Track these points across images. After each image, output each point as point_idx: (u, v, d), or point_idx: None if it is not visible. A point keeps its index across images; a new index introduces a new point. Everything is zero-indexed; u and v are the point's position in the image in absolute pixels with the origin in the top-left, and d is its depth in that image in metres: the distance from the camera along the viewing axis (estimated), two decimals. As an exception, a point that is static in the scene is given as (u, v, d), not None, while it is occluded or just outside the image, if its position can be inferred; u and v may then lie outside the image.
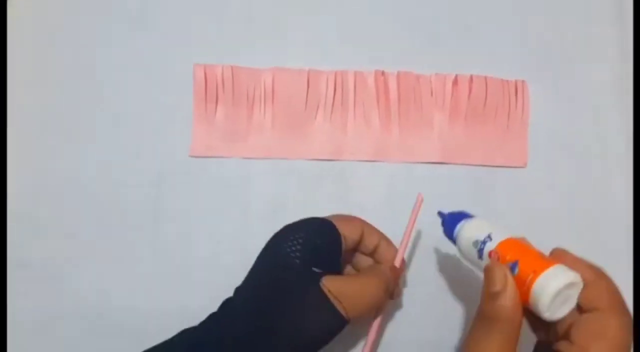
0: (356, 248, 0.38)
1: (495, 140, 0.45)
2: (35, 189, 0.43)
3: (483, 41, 0.47)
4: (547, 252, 0.31)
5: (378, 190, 0.44)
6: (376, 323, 0.37)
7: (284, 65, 0.45)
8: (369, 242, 0.37)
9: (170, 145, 0.44)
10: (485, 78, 0.45)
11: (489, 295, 0.28)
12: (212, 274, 0.42)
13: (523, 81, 0.46)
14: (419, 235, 0.43)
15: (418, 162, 0.45)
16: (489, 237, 0.31)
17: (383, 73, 0.45)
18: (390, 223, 0.38)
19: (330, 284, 0.32)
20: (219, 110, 0.44)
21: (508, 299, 0.28)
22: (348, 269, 0.40)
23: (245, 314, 0.33)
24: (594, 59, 0.47)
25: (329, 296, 0.32)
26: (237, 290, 0.35)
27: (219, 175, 0.44)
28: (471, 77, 0.45)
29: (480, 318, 0.29)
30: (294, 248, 0.34)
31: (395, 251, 0.37)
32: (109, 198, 0.43)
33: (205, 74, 0.44)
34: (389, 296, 0.36)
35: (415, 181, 0.44)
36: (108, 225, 0.43)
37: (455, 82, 0.45)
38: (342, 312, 0.32)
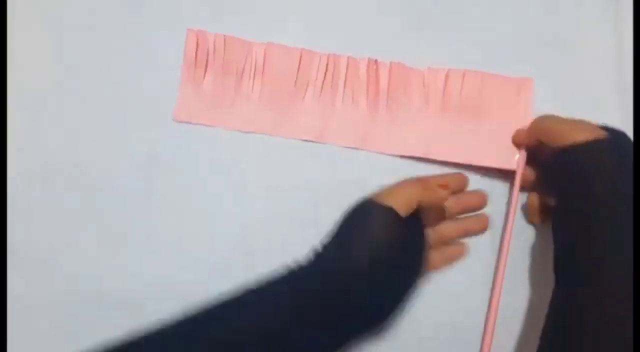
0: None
1: (487, 140, 0.44)
2: (27, 170, 0.42)
3: (479, 30, 0.47)
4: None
5: (356, 177, 0.43)
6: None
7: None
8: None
9: (163, 123, 0.43)
10: (482, 74, 0.45)
11: None
12: (206, 252, 0.41)
13: (528, 79, 0.45)
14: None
15: (403, 156, 0.44)
16: None
17: (376, 62, 0.45)
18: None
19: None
20: (207, 78, 0.44)
21: None
22: None
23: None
24: (590, 48, 0.47)
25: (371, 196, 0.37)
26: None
27: (210, 151, 0.43)
28: (464, 73, 0.45)
29: None
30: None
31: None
32: (100, 177, 0.42)
33: (197, 39, 0.44)
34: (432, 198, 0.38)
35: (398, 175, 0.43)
36: (99, 204, 0.42)
37: (447, 76, 0.45)
38: (375, 199, 0.36)
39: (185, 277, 0.41)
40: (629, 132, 0.42)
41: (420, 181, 0.39)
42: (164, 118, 0.43)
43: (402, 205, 0.36)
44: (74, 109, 0.43)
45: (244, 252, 0.41)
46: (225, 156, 0.43)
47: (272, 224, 0.42)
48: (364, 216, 0.36)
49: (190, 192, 0.42)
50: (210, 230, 0.42)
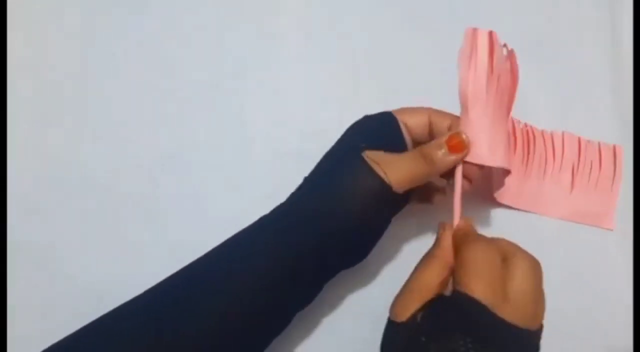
0: (431, 136, 0.36)
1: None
2: (34, 172, 0.43)
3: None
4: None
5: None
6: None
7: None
8: (441, 126, 0.36)
9: (170, 129, 0.44)
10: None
11: None
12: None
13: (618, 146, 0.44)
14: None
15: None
16: None
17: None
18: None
19: (370, 153, 0.34)
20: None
21: None
22: None
23: (298, 191, 0.35)
24: (587, 45, 0.47)
25: (367, 160, 0.33)
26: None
27: (215, 158, 0.44)
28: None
29: None
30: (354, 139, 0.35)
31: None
32: (108, 181, 0.43)
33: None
34: (439, 170, 0.34)
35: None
36: (107, 207, 0.42)
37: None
38: (381, 174, 0.33)
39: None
40: (629, 133, 0.44)
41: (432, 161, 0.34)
42: (171, 120, 0.45)
43: (401, 183, 0.33)
44: (82, 109, 0.45)
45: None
46: (233, 159, 0.44)
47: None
48: (356, 174, 0.33)
49: (197, 194, 0.43)
50: (217, 233, 0.38)
